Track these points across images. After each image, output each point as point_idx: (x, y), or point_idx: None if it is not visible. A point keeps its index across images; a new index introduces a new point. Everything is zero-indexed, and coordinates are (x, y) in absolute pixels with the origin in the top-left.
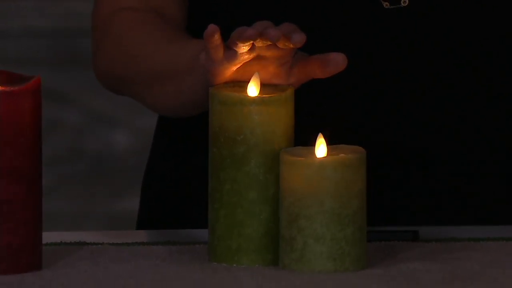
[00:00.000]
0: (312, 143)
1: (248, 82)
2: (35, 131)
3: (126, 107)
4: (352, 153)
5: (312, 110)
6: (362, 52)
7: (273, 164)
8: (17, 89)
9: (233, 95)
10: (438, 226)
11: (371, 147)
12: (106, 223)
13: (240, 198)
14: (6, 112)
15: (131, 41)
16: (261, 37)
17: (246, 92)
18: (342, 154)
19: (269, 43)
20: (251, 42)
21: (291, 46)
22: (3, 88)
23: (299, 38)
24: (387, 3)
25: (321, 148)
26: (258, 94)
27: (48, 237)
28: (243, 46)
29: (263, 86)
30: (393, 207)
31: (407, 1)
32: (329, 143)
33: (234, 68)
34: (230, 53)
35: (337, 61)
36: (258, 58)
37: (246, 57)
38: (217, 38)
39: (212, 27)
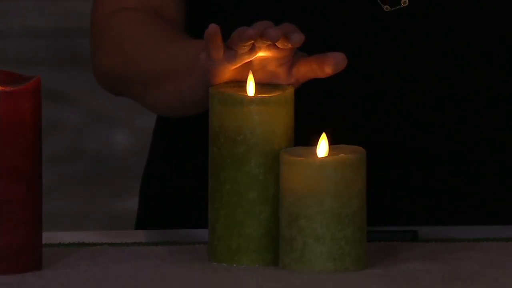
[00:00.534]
0: (312, 143)
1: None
2: (35, 131)
3: (126, 107)
4: (352, 153)
5: (312, 110)
6: (362, 52)
7: (273, 164)
8: (17, 89)
9: (233, 95)
10: (438, 226)
11: (371, 147)
12: (106, 223)
13: (240, 198)
14: (6, 112)
15: (130, 42)
16: (261, 37)
17: (246, 92)
18: (342, 154)
19: (269, 43)
20: (252, 42)
21: (290, 46)
22: (3, 88)
23: (298, 38)
24: (387, 6)
25: (322, 146)
26: (256, 92)
27: (48, 237)
28: (243, 46)
29: (263, 86)
30: (393, 207)
31: (407, 2)
32: (329, 143)
33: (234, 68)
34: (231, 53)
35: (336, 61)
36: (258, 58)
37: (246, 57)
38: (218, 37)
39: (213, 26)
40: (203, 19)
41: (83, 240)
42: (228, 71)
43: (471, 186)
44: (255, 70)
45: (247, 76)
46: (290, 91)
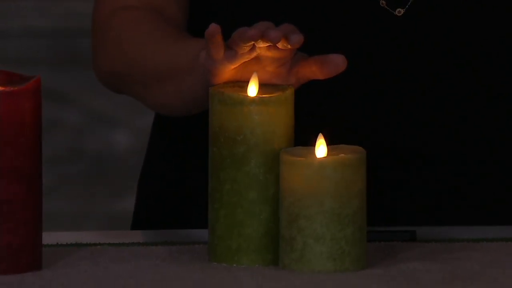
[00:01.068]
0: (312, 143)
1: (248, 82)
2: (35, 131)
3: (126, 107)
4: (352, 153)
5: (312, 110)
6: (362, 52)
7: (273, 164)
8: (17, 89)
9: (233, 95)
10: (438, 226)
11: (371, 147)
12: (106, 223)
13: (240, 198)
14: (6, 112)
15: (131, 41)
16: (262, 38)
17: (246, 92)
18: (342, 154)
19: (270, 44)
20: (252, 42)
21: (289, 47)
22: (3, 88)
23: (297, 38)
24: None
25: (321, 149)
26: (257, 93)
27: (48, 237)
28: (244, 46)
29: (263, 86)
30: (393, 207)
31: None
32: (329, 143)
33: (234, 67)
34: (231, 53)
35: (336, 63)
36: (258, 58)
37: (247, 57)
38: (218, 37)
39: (213, 26)
40: (203, 18)
41: (83, 240)
42: (228, 70)
43: (471, 186)
44: (255, 70)
45: (247, 75)
46: (290, 91)
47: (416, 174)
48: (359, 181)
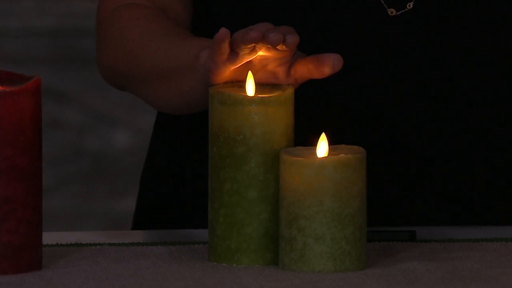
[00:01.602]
0: (312, 143)
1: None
2: (35, 130)
3: (126, 107)
4: (352, 153)
5: (312, 110)
6: (363, 53)
7: (273, 164)
8: (17, 89)
9: (233, 95)
10: (438, 227)
11: (371, 147)
12: (106, 223)
13: (240, 197)
14: (6, 112)
15: (133, 38)
16: (262, 40)
17: (246, 92)
18: (342, 154)
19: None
20: (253, 44)
21: (285, 48)
22: (3, 88)
23: (292, 40)
24: (392, 9)
25: (322, 146)
26: (256, 92)
27: (48, 237)
28: (245, 48)
29: (263, 85)
30: (393, 207)
31: (412, 5)
32: (329, 143)
33: (235, 67)
34: (232, 54)
35: (332, 62)
36: (258, 58)
37: (247, 57)
38: (227, 43)
39: (224, 31)
40: (207, 18)
41: (83, 240)
42: (228, 70)
43: (470, 186)
44: (255, 70)
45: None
46: (290, 91)
47: (416, 174)
48: (359, 181)
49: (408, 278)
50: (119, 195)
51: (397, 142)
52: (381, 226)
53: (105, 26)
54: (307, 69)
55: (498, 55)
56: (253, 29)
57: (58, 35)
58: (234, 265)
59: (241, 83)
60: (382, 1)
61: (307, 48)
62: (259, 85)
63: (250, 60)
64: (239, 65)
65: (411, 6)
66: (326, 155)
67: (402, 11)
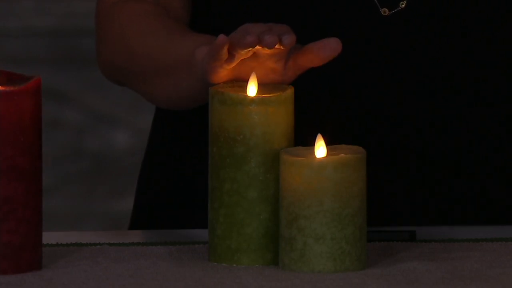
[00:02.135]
0: (312, 143)
1: (247, 81)
2: (35, 130)
3: (126, 107)
4: (352, 153)
5: (312, 110)
6: (361, 52)
7: (273, 164)
8: (17, 89)
9: (233, 95)
10: (438, 226)
11: (371, 147)
12: (106, 223)
13: (240, 197)
14: (6, 112)
15: (132, 33)
16: (259, 44)
17: (246, 92)
18: (342, 154)
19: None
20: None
21: (282, 48)
22: (3, 88)
23: (289, 40)
24: (385, 9)
25: (320, 150)
26: (257, 93)
27: (48, 237)
28: (242, 52)
29: (263, 85)
30: (393, 207)
31: (404, 4)
32: (329, 143)
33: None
34: (229, 56)
35: (331, 46)
36: (255, 55)
37: (243, 56)
38: (225, 49)
39: (222, 39)
40: (205, 12)
41: (83, 240)
42: (225, 70)
43: (471, 186)
44: (252, 67)
45: (245, 74)
46: (290, 91)
47: (417, 174)
48: (359, 181)
49: (408, 278)
50: (119, 195)
51: (397, 142)
52: (381, 226)
53: (105, 22)
54: (307, 59)
55: (497, 54)
56: (249, 32)
57: (58, 35)
58: (234, 265)
59: (241, 83)
60: (376, 1)
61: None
62: (259, 85)
63: (247, 58)
64: (235, 64)
65: (404, 5)
66: (326, 155)
67: (395, 10)
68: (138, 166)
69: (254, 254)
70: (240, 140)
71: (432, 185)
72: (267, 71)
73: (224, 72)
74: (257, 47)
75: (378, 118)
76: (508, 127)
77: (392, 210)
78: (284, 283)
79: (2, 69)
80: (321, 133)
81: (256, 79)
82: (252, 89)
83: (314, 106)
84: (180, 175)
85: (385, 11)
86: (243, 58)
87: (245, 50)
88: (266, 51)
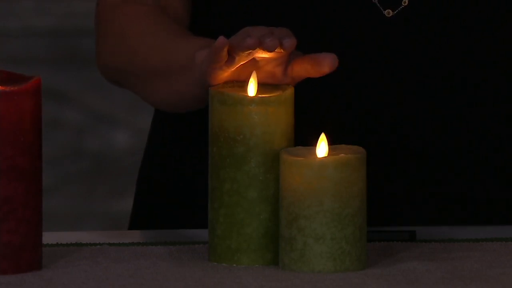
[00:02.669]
0: (312, 143)
1: (247, 82)
2: (35, 130)
3: (126, 107)
4: (352, 153)
5: (312, 110)
6: (362, 53)
7: (273, 164)
8: (17, 89)
9: (233, 95)
10: (438, 226)
11: (371, 147)
12: (106, 223)
13: (240, 197)
14: (6, 112)
15: (131, 35)
16: (259, 46)
17: (246, 92)
18: (342, 154)
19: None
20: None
21: (282, 51)
22: (3, 88)
23: (289, 43)
24: (389, 10)
25: (322, 147)
26: (257, 93)
27: (48, 237)
28: (242, 54)
29: (263, 85)
30: (393, 207)
31: (407, 1)
32: (329, 143)
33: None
34: (229, 58)
35: (327, 62)
36: (256, 59)
37: (244, 60)
38: (224, 51)
39: (222, 41)
40: (206, 12)
41: (83, 240)
42: (225, 72)
43: (471, 186)
44: (252, 70)
45: (245, 76)
46: (290, 91)
47: (417, 174)
48: (359, 181)
49: (408, 278)
50: (119, 195)
51: (397, 141)
52: (381, 226)
53: (105, 23)
54: (304, 68)
55: (497, 54)
56: (249, 35)
57: (58, 35)
58: (234, 265)
59: (241, 83)
60: (378, 4)
61: (305, 50)
62: (259, 85)
63: (247, 61)
64: (235, 67)
65: (406, 2)
66: (326, 155)
67: (398, 9)
68: (138, 166)
69: (254, 254)
70: (240, 140)
71: (432, 185)
72: (266, 76)
73: (223, 75)
74: (257, 53)
75: (378, 118)
76: (508, 127)
77: (392, 210)
78: (284, 283)
79: (2, 69)
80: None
81: (256, 79)
82: (251, 87)
83: (314, 106)
84: (180, 175)
85: (388, 12)
86: (243, 62)
87: (245, 53)
88: (266, 57)
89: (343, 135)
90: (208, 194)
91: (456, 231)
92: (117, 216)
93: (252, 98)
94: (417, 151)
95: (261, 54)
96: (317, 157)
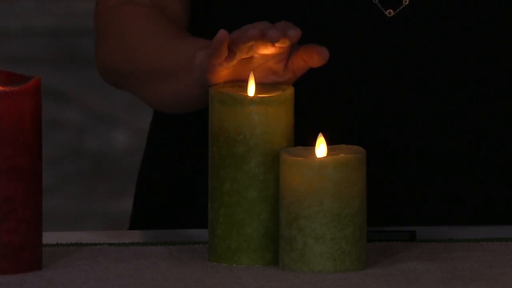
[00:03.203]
0: (312, 143)
1: (247, 81)
2: (35, 130)
3: (126, 107)
4: (352, 153)
5: (312, 110)
6: (362, 52)
7: (273, 164)
8: (17, 89)
9: (233, 95)
10: (438, 226)
11: (371, 147)
12: (106, 223)
13: (240, 197)
14: (6, 112)
15: (131, 36)
16: (262, 38)
17: (246, 92)
18: (342, 154)
19: (269, 43)
20: (252, 43)
21: (287, 42)
22: (3, 88)
23: (294, 33)
24: (390, 10)
25: (321, 148)
26: (256, 93)
27: (48, 237)
28: (243, 47)
29: (263, 85)
30: (393, 207)
31: (408, 1)
32: (329, 143)
33: (232, 65)
34: (230, 53)
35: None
36: (257, 56)
37: (244, 56)
38: (225, 45)
39: (223, 33)
40: (205, 13)
41: (83, 240)
42: (226, 68)
43: (470, 186)
44: (253, 68)
45: (246, 74)
46: (290, 91)
47: (417, 174)
48: (359, 181)
49: (408, 278)
50: (119, 195)
51: (397, 141)
52: (381, 226)
53: (105, 23)
54: (302, 60)
55: (497, 52)
56: (251, 27)
57: (58, 35)
58: (234, 265)
59: (241, 83)
60: (378, 4)
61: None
62: (259, 85)
63: (248, 58)
64: (235, 62)
65: (407, 2)
66: (326, 155)
67: (399, 9)
68: (138, 166)
69: (254, 254)
70: (240, 140)
71: (432, 185)
72: (267, 72)
73: (224, 72)
74: (258, 49)
75: (378, 118)
76: (509, 127)
77: (392, 210)
78: (284, 283)
79: (2, 69)
80: (321, 133)
81: (254, 79)
82: (251, 88)
83: (314, 106)
84: (180, 175)
85: (390, 12)
86: (244, 56)
87: (247, 47)
88: (268, 51)
89: (343, 135)
90: (208, 194)
91: (456, 231)
92: (117, 216)
93: (252, 98)
94: (417, 151)
95: (262, 50)
96: (317, 157)
